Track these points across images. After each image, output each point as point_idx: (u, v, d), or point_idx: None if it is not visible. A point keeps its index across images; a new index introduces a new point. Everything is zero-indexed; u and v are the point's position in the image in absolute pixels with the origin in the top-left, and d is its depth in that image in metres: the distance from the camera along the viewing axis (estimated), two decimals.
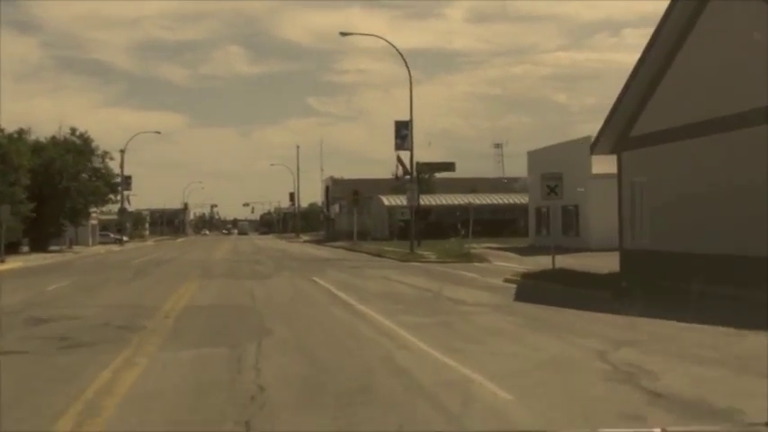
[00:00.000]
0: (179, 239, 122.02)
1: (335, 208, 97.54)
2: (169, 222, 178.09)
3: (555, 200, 26.55)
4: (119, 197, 69.75)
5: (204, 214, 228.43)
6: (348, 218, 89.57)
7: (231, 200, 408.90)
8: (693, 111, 22.67)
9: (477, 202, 73.99)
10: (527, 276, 26.08)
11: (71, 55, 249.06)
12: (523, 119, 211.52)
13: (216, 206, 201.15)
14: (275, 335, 13.41)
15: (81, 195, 61.41)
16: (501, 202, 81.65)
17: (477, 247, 44.22)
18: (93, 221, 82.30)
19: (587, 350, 11.54)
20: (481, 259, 39.72)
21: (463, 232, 61.47)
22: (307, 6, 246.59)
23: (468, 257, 40.44)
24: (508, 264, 36.61)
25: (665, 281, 20.11)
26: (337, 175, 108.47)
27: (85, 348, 12.10)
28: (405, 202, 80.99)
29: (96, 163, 63.54)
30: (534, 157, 54.95)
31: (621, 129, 26.56)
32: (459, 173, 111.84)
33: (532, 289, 22.67)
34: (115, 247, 76.50)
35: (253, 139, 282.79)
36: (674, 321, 14.49)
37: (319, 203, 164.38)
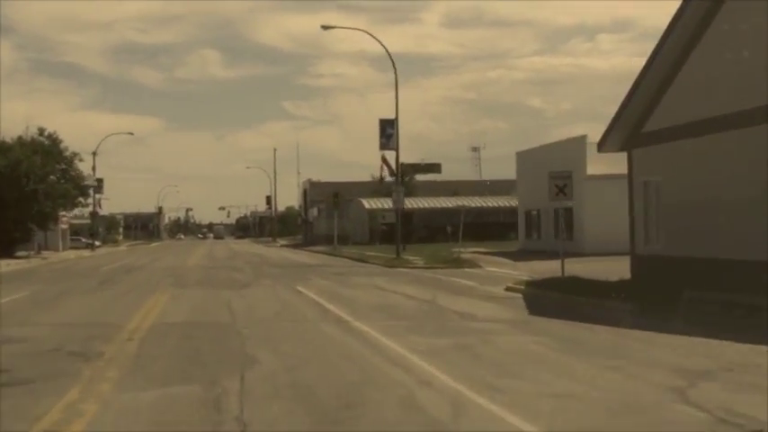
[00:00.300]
0: (153, 244, 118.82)
1: (314, 211, 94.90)
2: (144, 227, 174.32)
3: (563, 200, 24.10)
4: (89, 200, 66.30)
5: (179, 218, 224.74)
6: (327, 221, 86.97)
7: (206, 204, 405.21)
8: (715, 103, 20.33)
9: (464, 204, 71.69)
10: (532, 285, 23.68)
11: (45, 58, 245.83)
12: (499, 123, 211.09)
13: (191, 210, 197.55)
14: (261, 365, 10.83)
15: (49, 198, 58.30)
16: (488, 204, 79.33)
17: (465, 251, 41.85)
18: (64, 226, 79.09)
19: (658, 386, 9.10)
20: (472, 265, 37.35)
21: (451, 236, 59.33)
22: (283, 9, 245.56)
23: (458, 263, 38.09)
24: (502, 270, 34.29)
25: (690, 290, 17.73)
26: (314, 178, 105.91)
27: (20, 389, 9.44)
28: (386, 205, 78.53)
29: (65, 165, 60.38)
30: (524, 157, 52.63)
31: (633, 124, 24.21)
32: (438, 176, 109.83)
33: (543, 300, 20.26)
34: (86, 253, 73.46)
35: (228, 142, 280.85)
36: (733, 342, 12.15)
37: (296, 207, 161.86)
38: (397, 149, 43.05)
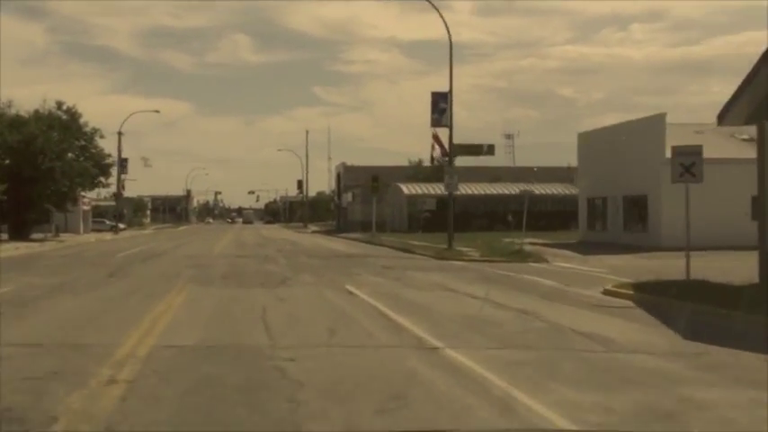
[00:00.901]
0: (180, 228, 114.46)
1: (348, 196, 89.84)
2: (171, 210, 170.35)
3: (691, 182, 18.78)
4: (111, 180, 61.65)
5: (208, 202, 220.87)
6: (363, 207, 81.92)
7: (236, 188, 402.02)
8: None
9: (510, 192, 66.38)
10: (643, 290, 18.47)
11: (77, 41, 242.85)
12: (529, 112, 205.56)
13: (220, 193, 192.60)
14: None
15: (66, 177, 53.67)
16: (543, 192, 73.98)
17: (522, 242, 36.68)
18: (86, 207, 74.66)
19: None
20: (538, 258, 32.19)
21: (503, 225, 54.09)
22: None
23: (520, 256, 32.93)
24: (572, 265, 29.25)
25: None
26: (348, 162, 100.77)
27: None
28: (426, 191, 73.27)
29: (84, 141, 55.68)
30: (587, 139, 47.07)
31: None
32: (475, 161, 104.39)
33: (672, 312, 15.01)
34: (107, 236, 68.93)
35: (258, 128, 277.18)
36: None
37: (327, 192, 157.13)
38: (450, 126, 37.77)
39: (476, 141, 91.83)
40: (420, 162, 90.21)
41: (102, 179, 59.55)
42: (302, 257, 34.32)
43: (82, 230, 72.50)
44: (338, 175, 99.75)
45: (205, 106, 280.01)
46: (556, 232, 54.26)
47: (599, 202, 44.95)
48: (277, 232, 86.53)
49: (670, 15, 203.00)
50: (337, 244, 51.33)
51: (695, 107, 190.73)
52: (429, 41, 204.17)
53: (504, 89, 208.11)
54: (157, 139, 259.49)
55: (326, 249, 43.07)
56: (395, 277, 23.93)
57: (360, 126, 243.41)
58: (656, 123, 38.38)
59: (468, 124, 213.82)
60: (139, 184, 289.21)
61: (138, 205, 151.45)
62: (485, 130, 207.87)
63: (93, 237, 65.40)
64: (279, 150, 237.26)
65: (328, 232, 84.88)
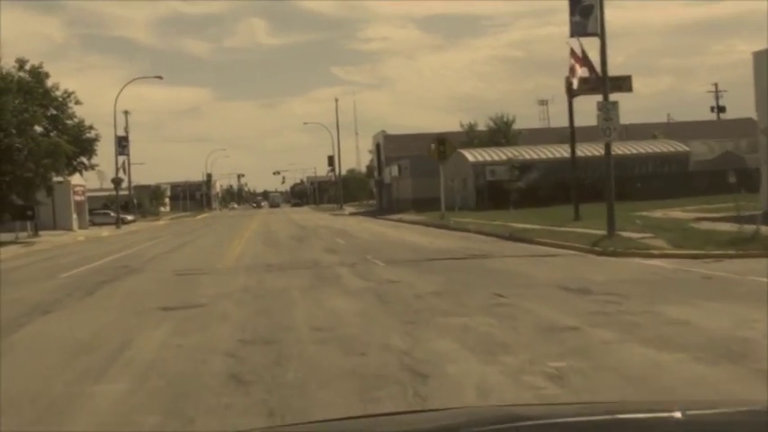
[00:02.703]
0: (199, 216, 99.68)
1: (392, 170, 74.71)
2: (192, 197, 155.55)
3: None
4: (93, 160, 46.08)
5: (231, 186, 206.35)
6: (414, 182, 66.83)
7: (259, 172, 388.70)
8: None
9: (624, 152, 51.21)
10: None
11: (95, 33, 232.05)
12: (549, 81, 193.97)
13: (243, 176, 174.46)
14: None
15: (31, 158, 39.08)
16: (648, 150, 58.60)
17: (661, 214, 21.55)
18: (79, 197, 60.04)
19: None
20: None
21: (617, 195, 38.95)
22: None
23: (755, 243, 18.37)
24: None
25: None
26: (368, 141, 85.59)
27: None
28: (497, 157, 57.96)
29: (54, 109, 40.93)
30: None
31: None
32: (531, 125, 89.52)
33: None
34: (105, 232, 54.47)
35: (278, 111, 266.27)
36: None
37: (358, 169, 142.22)
38: (602, 34, 22.49)
39: (497, 113, 74.92)
40: (472, 126, 74.97)
41: (84, 160, 44.73)
42: (384, 267, 19.22)
43: (75, 226, 58.06)
44: (377, 147, 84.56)
45: (224, 91, 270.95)
46: (696, 198, 39.17)
47: None
48: (311, 216, 71.66)
49: None
50: (403, 232, 36.36)
51: (719, 67, 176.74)
52: (445, 15, 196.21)
53: (523, 59, 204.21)
54: (177, 126, 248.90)
55: (400, 243, 28.10)
56: (651, 332, 9.04)
57: (380, 104, 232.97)
58: None
59: (486, 95, 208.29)
60: (158, 172, 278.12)
61: (155, 193, 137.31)
62: (503, 101, 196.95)
63: (83, 234, 50.85)
64: (305, 123, 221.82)
65: (371, 214, 69.97)
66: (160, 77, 69.02)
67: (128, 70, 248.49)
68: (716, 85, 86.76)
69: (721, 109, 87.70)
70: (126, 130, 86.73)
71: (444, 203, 44.15)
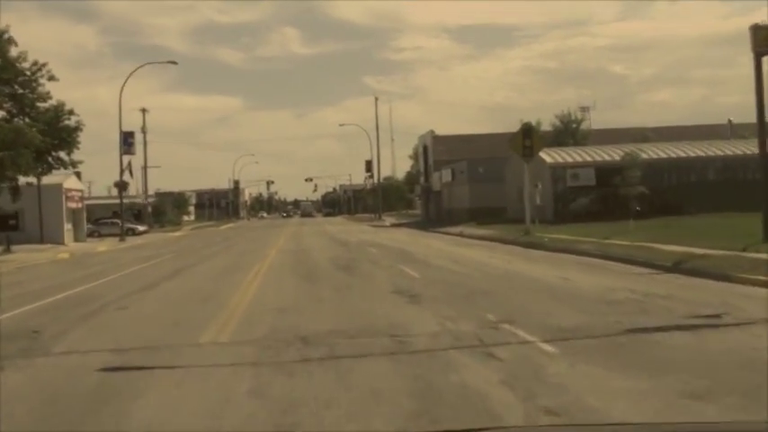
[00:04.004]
0: (223, 226, 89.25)
1: (443, 175, 63.92)
2: (219, 204, 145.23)
3: None
4: (74, 155, 34.85)
5: (261, 195, 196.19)
6: (472, 188, 56.14)
7: (291, 181, 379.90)
8: None
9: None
10: None
11: (129, 41, 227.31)
12: (581, 91, 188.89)
13: (273, 183, 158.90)
14: None
15: None
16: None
17: None
18: (73, 204, 49.92)
19: None
20: None
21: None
22: None
23: None
24: None
25: None
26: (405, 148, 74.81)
27: None
28: (576, 158, 46.89)
29: (20, 87, 30.63)
30: None
31: None
32: (612, 122, 78.77)
33: None
34: (102, 246, 44.33)
35: (310, 119, 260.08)
36: None
37: (397, 176, 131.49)
38: None
39: (562, 110, 64.28)
40: (537, 122, 64.06)
41: (63, 155, 34.31)
42: (562, 362, 8.55)
43: (67, 238, 47.96)
44: (425, 150, 73.74)
45: (256, 100, 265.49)
46: None
47: None
48: (349, 229, 61.07)
49: None
50: (486, 254, 25.66)
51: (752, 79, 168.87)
52: (477, 26, 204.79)
53: (555, 69, 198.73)
54: (208, 134, 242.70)
55: (512, 278, 17.45)
56: None
57: (413, 113, 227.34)
58: None
59: (519, 106, 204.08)
60: (187, 180, 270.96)
61: (178, 201, 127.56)
62: (536, 110, 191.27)
63: (70, 250, 40.61)
64: (340, 125, 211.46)
65: (418, 226, 59.24)
66: (174, 62, 58.88)
67: (161, 78, 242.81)
68: None
69: None
70: (143, 129, 77.00)
71: (490, 214, 33.55)
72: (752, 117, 23.09)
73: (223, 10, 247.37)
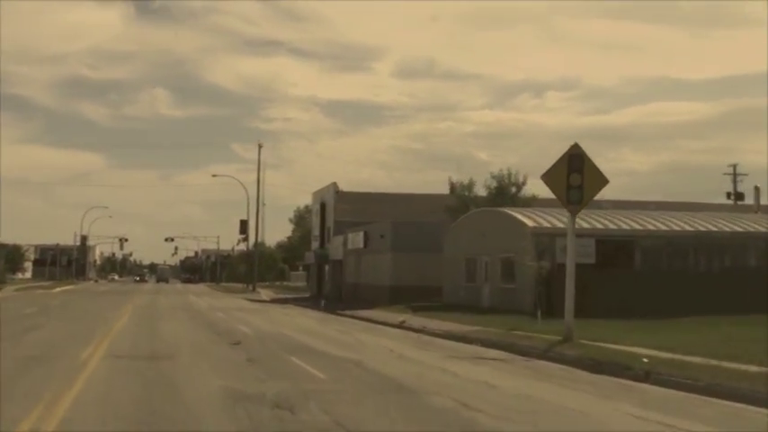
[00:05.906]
0: (59, 288, 70.09)
1: (352, 239, 48.47)
2: (69, 263, 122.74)
3: None
4: None
5: (114, 255, 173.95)
6: (397, 258, 41.00)
7: (148, 243, 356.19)
8: None
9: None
10: None
11: None
12: (446, 174, 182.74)
13: (126, 240, 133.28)
14: None
15: None
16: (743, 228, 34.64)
17: None
18: None
19: None
20: None
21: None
22: (235, 52, 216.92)
23: None
24: None
25: None
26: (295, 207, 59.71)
27: None
28: (558, 224, 30.81)
29: None
30: None
31: None
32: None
33: None
34: None
35: (174, 182, 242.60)
36: None
37: (269, 244, 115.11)
38: None
39: (500, 169, 51.20)
40: (469, 183, 50.06)
41: None
42: None
43: None
44: (321, 209, 58.16)
45: (119, 159, 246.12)
46: None
47: None
48: (220, 303, 44.48)
49: (583, 85, 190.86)
50: (521, 383, 10.74)
51: (612, 172, 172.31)
52: (348, 101, 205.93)
53: (422, 150, 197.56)
54: (66, 190, 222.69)
55: None
56: None
57: (278, 184, 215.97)
58: None
59: (383, 184, 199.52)
60: (29, 234, 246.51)
61: (12, 254, 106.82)
62: (401, 189, 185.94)
63: None
64: (213, 176, 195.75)
65: (309, 304, 43.48)
66: None
67: (21, 129, 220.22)
68: (734, 166, 64.95)
69: (739, 196, 67.81)
70: None
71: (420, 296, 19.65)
72: None
73: (93, 65, 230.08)
